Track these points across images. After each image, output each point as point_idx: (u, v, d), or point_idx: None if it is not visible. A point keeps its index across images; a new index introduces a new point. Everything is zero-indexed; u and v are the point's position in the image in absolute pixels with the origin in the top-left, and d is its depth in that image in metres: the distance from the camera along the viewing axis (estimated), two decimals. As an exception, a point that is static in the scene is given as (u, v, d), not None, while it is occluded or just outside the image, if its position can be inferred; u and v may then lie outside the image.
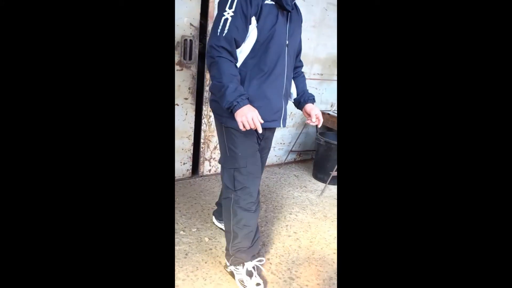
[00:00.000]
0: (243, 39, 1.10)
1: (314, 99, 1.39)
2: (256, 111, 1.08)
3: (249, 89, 1.15)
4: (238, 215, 1.29)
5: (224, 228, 1.51)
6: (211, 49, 1.08)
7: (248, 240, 1.33)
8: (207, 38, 1.91)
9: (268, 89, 1.18)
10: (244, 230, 1.31)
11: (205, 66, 2.07)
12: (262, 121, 1.10)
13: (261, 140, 1.33)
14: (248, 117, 1.06)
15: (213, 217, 1.79)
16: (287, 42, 1.18)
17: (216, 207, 1.78)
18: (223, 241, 1.65)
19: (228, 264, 1.40)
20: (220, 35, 1.06)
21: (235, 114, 1.08)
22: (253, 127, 1.07)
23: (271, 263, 1.55)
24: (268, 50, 1.13)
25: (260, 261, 1.41)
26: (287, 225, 1.90)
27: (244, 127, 1.08)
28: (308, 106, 1.35)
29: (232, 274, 1.40)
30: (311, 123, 1.34)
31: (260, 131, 1.09)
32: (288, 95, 1.31)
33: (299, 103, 1.39)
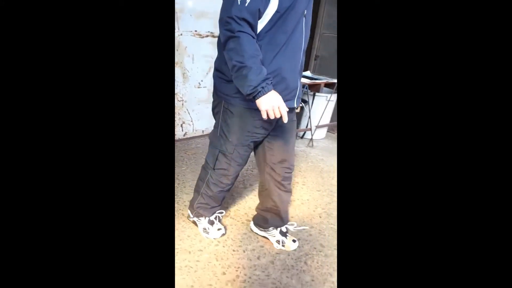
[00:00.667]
0: (265, 9, 0.93)
1: None
2: (281, 99, 0.97)
3: (265, 64, 0.99)
4: (210, 188, 1.34)
5: (261, 234, 1.49)
6: (231, 21, 0.90)
7: (213, 203, 1.41)
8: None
9: (284, 65, 1.03)
10: (212, 199, 1.39)
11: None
12: (288, 109, 0.99)
13: (272, 128, 1.19)
14: (274, 106, 0.95)
15: (252, 223, 1.55)
16: (305, 12, 1.03)
17: (256, 213, 1.53)
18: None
19: (191, 216, 1.50)
20: (242, 5, 0.88)
21: (259, 101, 0.95)
22: (278, 116, 0.97)
23: (230, 211, 1.72)
24: (286, 21, 0.97)
25: (220, 213, 1.53)
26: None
27: (268, 116, 0.97)
28: None
29: (194, 223, 1.53)
30: None
31: (285, 120, 0.99)
32: (302, 70, 1.16)
33: None
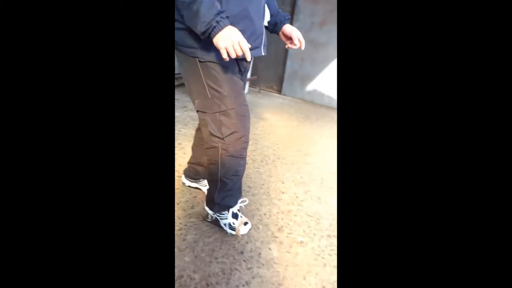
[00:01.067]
0: None
1: (289, 19, 1.21)
2: (240, 33, 0.86)
3: (229, 5, 0.90)
4: (226, 164, 1.14)
5: (193, 186, 1.54)
6: None
7: (236, 187, 1.24)
8: None
9: (249, 6, 0.94)
10: (233, 178, 1.18)
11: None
12: (250, 45, 0.88)
13: (243, 72, 1.12)
14: (234, 41, 0.84)
15: (183, 176, 1.56)
16: None
17: (187, 167, 1.54)
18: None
19: (212, 213, 1.31)
20: None
21: (215, 39, 0.85)
22: (239, 53, 0.85)
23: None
24: None
25: (243, 201, 1.39)
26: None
27: (228, 55, 0.86)
28: (287, 27, 1.17)
29: (216, 221, 1.33)
30: (294, 47, 1.17)
31: (248, 58, 0.88)
32: (264, 16, 1.07)
33: (275, 25, 1.18)
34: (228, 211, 1.29)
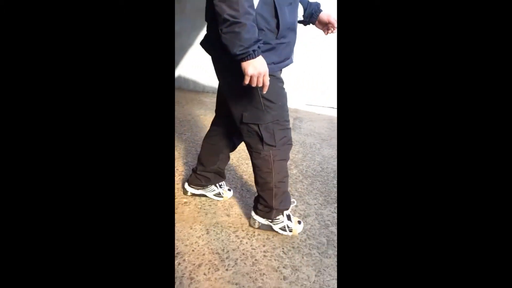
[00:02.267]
0: None
1: (320, 6, 1.25)
2: (266, 66, 0.94)
3: (283, 19, 0.97)
4: (279, 169, 1.24)
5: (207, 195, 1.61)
6: None
7: (287, 189, 1.34)
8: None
9: (296, 19, 1.03)
10: (285, 180, 1.29)
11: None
12: (289, 58, 1.03)
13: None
14: (261, 73, 0.92)
15: (187, 185, 1.62)
16: None
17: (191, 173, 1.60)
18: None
19: (269, 221, 1.39)
20: None
21: (246, 64, 0.90)
22: (260, 85, 0.95)
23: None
24: None
25: (292, 202, 1.45)
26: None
27: (249, 82, 0.94)
28: (323, 15, 1.23)
29: (268, 227, 1.42)
30: (334, 31, 1.25)
31: (265, 91, 0.99)
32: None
33: (311, 16, 1.23)
34: (283, 215, 1.39)
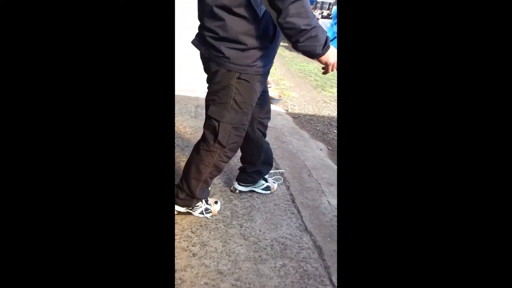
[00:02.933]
0: None
1: None
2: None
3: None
4: (217, 167, 1.35)
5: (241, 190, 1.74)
6: None
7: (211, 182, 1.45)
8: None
9: None
10: (216, 175, 1.42)
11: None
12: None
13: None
14: (335, 60, 1.07)
15: (236, 182, 1.75)
16: None
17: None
18: None
19: (189, 209, 1.48)
20: None
21: (327, 56, 1.04)
22: (335, 70, 1.09)
23: None
24: None
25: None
26: None
27: (330, 69, 1.10)
28: None
29: (188, 213, 1.52)
30: None
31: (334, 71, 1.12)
32: None
33: None
34: (202, 201, 1.51)
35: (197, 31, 1.19)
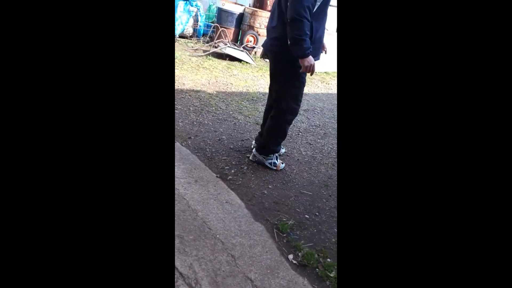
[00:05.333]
0: (315, 3, 1.66)
1: None
2: (313, 60, 1.71)
3: (315, 33, 1.72)
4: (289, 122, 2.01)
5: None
6: (300, 9, 1.57)
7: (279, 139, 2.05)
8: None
9: (322, 34, 1.84)
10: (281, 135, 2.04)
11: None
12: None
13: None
14: (312, 64, 1.69)
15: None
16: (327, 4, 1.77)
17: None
18: None
19: (263, 157, 2.06)
20: (307, 1, 1.60)
21: (304, 60, 1.66)
22: (311, 71, 1.71)
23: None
24: (324, 9, 1.74)
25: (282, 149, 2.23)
26: None
27: (305, 69, 1.69)
28: None
29: (260, 162, 2.07)
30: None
31: (312, 75, 1.84)
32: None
33: None
34: (273, 154, 2.07)
35: None
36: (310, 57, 1.68)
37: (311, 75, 1.79)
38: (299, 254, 1.40)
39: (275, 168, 2.06)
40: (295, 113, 1.96)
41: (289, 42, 1.67)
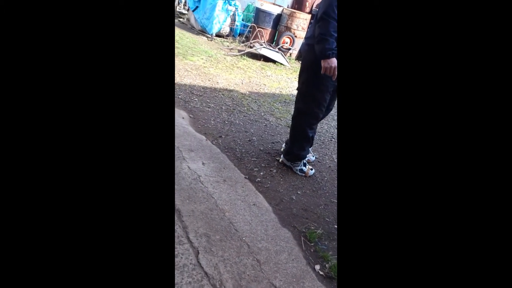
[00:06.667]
0: None
1: None
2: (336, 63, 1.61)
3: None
4: (313, 128, 1.97)
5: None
6: (329, 10, 1.54)
7: (304, 143, 1.97)
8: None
9: None
10: (304, 138, 1.95)
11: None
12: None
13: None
14: (334, 67, 1.60)
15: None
16: None
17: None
18: None
19: (291, 163, 2.02)
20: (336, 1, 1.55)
21: (328, 61, 1.58)
22: (333, 74, 1.62)
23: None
24: None
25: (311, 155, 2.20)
26: None
27: (326, 71, 1.62)
28: None
29: (290, 168, 2.03)
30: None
31: (334, 78, 1.66)
32: None
33: None
34: (300, 161, 2.03)
35: None
36: (333, 59, 1.58)
37: (333, 78, 1.66)
38: (327, 265, 1.35)
39: (303, 174, 2.01)
40: (316, 117, 1.87)
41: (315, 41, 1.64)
